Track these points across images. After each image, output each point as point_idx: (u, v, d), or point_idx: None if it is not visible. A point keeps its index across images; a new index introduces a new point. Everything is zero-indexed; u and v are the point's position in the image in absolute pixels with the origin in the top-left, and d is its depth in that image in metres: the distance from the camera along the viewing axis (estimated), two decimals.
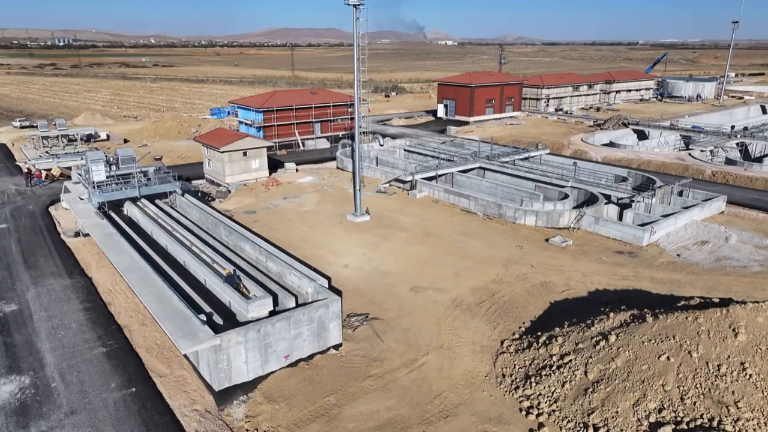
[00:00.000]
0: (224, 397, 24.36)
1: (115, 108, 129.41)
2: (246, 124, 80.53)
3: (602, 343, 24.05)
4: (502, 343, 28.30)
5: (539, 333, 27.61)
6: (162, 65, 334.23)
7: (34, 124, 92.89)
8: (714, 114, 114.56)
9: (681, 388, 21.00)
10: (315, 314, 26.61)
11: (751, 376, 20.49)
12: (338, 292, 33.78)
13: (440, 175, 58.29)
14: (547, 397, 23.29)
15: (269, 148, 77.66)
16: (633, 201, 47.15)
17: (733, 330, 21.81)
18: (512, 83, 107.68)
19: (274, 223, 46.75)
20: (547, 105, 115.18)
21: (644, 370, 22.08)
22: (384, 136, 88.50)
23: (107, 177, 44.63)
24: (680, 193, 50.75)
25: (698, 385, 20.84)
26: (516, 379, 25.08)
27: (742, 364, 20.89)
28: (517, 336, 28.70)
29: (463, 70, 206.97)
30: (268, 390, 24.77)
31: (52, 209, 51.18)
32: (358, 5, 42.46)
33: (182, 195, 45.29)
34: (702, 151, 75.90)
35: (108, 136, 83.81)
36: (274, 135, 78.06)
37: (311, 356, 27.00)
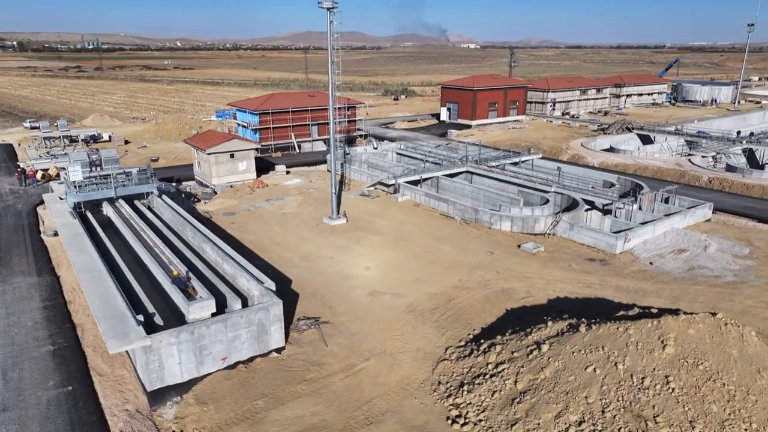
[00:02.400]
0: (157, 397, 24.50)
1: (124, 110, 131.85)
2: (243, 126, 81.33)
3: (535, 353, 23.58)
4: (446, 350, 27.95)
5: (482, 341, 27.21)
6: (182, 68, 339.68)
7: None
8: (726, 119, 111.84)
9: (603, 401, 20.44)
10: (254, 317, 26.63)
11: (673, 390, 19.84)
12: (296, 295, 34.01)
13: (425, 179, 57.97)
14: (477, 406, 22.90)
15: (265, 150, 78.57)
16: (611, 207, 46.17)
17: (662, 342, 21.17)
18: (516, 87, 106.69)
19: (250, 225, 47.03)
20: (553, 109, 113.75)
21: (570, 381, 21.57)
22: (382, 139, 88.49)
23: (87, 177, 45.55)
24: (666, 200, 49.58)
25: (620, 398, 20.26)
26: (450, 387, 24.73)
27: (666, 377, 20.25)
28: (462, 343, 28.32)
29: (480, 73, 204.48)
30: (201, 392, 24.85)
31: (40, 209, 52.26)
32: (332, 8, 42.56)
33: (159, 196, 45.83)
34: (703, 156, 74.10)
35: (110, 137, 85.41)
36: (270, 137, 78.67)
37: (252, 359, 27.02)
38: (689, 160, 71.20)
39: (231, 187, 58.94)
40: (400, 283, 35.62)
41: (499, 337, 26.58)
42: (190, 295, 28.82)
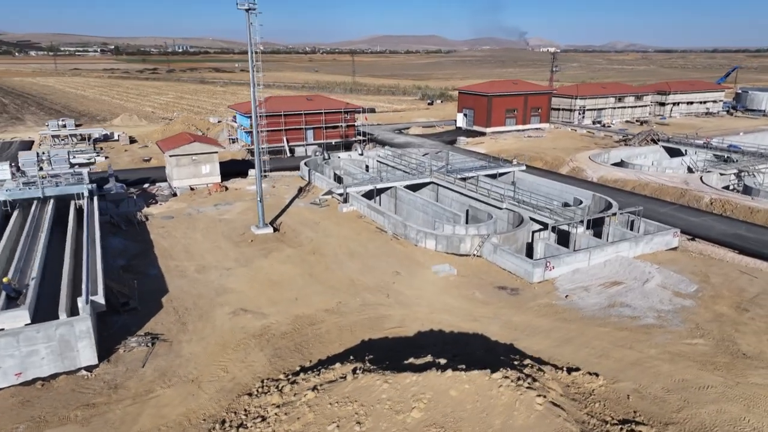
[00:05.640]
0: None
1: (160, 110, 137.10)
2: (239, 128, 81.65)
3: (303, 399, 20.59)
4: (261, 383, 25.32)
5: (290, 377, 24.39)
6: (247, 70, 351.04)
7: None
8: None
9: None
10: (54, 332, 25.33)
11: None
12: (159, 308, 32.57)
13: (383, 189, 55.04)
14: None
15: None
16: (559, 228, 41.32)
17: (413, 403, 17.63)
18: (539, 93, 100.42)
19: (177, 230, 46.21)
20: (583, 117, 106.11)
21: None
22: (384, 144, 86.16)
23: (32, 176, 46.71)
24: (631, 225, 43.86)
25: None
26: (230, 427, 22.16)
27: None
28: (281, 377, 25.58)
29: (542, 79, 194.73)
30: None
31: None
32: (250, 9, 40.96)
33: (90, 197, 46.00)
34: (722, 174, 65.80)
35: (118, 136, 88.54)
36: (263, 140, 78.14)
37: (55, 375, 25.73)
38: (701, 178, 63.35)
39: (192, 189, 58.73)
40: (274, 302, 33.24)
41: (302, 375, 23.69)
42: (18, 304, 28.01)
